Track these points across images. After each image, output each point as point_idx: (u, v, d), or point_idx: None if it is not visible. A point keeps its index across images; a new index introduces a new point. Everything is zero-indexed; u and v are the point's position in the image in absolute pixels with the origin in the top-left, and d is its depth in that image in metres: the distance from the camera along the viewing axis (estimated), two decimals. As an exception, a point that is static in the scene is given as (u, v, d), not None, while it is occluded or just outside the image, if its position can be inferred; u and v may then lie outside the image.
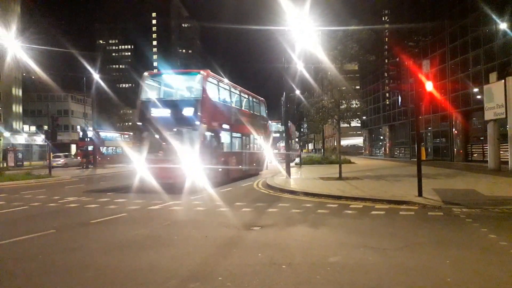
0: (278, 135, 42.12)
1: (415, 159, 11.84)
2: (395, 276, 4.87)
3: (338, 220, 8.66)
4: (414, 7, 36.36)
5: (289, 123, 38.15)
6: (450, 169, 22.75)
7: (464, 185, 14.03)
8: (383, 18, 45.47)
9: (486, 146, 23.69)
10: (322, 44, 17.84)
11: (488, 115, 21.44)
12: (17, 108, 64.27)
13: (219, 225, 8.25)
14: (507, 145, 20.81)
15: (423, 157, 28.78)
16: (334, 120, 18.63)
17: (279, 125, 42.98)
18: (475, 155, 28.80)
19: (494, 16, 23.66)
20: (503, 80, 20.39)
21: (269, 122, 31.59)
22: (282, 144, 39.42)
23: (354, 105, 18.81)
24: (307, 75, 27.51)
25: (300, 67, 27.52)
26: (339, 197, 11.68)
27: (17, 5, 62.90)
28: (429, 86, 11.28)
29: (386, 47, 42.44)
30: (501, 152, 21.70)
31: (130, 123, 66.36)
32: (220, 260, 5.69)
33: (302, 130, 61.91)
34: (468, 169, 22.37)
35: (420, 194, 10.98)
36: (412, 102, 11.95)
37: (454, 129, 30.50)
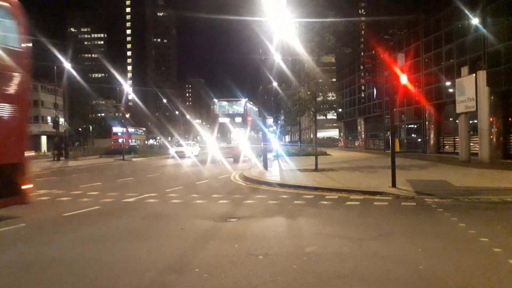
0: (227, 120, 29.67)
1: (390, 151, 12.07)
2: (369, 264, 4.96)
3: (314, 210, 8.75)
4: (391, 0, 36.83)
5: (247, 107, 29.37)
6: (423, 160, 23.33)
7: (436, 176, 14.42)
8: (360, 11, 45.86)
9: (458, 138, 24.38)
10: (299, 36, 17.87)
11: (460, 108, 22.04)
12: (-16, 98, 61.75)
13: (196, 217, 8.20)
14: (477, 138, 21.50)
15: (397, 149, 29.39)
16: (311, 112, 18.76)
17: (236, 106, 31.52)
18: (446, 147, 29.62)
19: (466, 11, 24.21)
20: (474, 74, 20.97)
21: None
22: (240, 134, 29.24)
23: (331, 97, 18.97)
24: (284, 67, 27.50)
25: (277, 59, 27.50)
26: (315, 188, 11.80)
27: (-17, -11, 60.12)
28: (403, 79, 11.47)
29: (362, 40, 42.92)
30: (471, 144, 22.38)
31: (103, 114, 64.70)
32: (197, 251, 5.66)
33: (279, 122, 61.77)
34: (440, 160, 23.00)
35: (394, 185, 11.21)
36: (387, 94, 12.13)
37: (427, 122, 31.25)
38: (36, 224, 7.79)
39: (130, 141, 55.48)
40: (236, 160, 27.45)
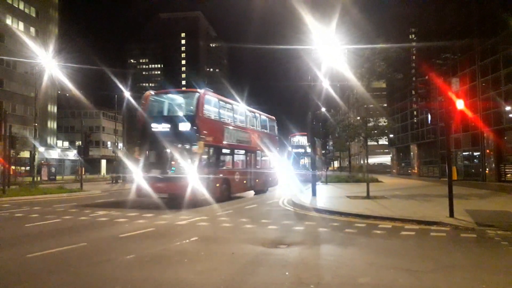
0: (166, 127, 15.50)
1: (445, 179, 11.53)
2: (427, 298, 4.73)
3: (366, 239, 8.50)
4: (441, 25, 35.92)
5: (204, 102, 15.23)
6: (482, 189, 21.98)
7: (498, 206, 13.52)
8: (410, 36, 45.03)
9: (521, 166, 22.80)
10: (348, 62, 17.82)
11: (523, 134, 20.71)
12: (52, 124, 66.72)
13: (245, 242, 8.24)
14: (544, 166, 19.98)
15: (455, 177, 27.86)
16: (361, 138, 18.43)
17: (183, 102, 17.63)
18: (508, 175, 27.68)
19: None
20: (538, 98, 19.73)
21: None
22: (186, 154, 15.44)
23: (382, 123, 18.55)
24: (333, 93, 27.40)
25: (326, 85, 27.45)
26: (367, 217, 11.47)
27: (55, 27, 66.17)
28: (459, 104, 11.05)
29: (413, 65, 41.94)
30: (537, 172, 20.83)
31: None
32: (247, 277, 5.68)
33: (327, 147, 60.96)
34: (501, 189, 21.55)
35: (451, 214, 10.65)
36: (442, 120, 11.70)
37: (485, 148, 29.54)
38: (96, 243, 8.21)
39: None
40: (176, 199, 15.27)
